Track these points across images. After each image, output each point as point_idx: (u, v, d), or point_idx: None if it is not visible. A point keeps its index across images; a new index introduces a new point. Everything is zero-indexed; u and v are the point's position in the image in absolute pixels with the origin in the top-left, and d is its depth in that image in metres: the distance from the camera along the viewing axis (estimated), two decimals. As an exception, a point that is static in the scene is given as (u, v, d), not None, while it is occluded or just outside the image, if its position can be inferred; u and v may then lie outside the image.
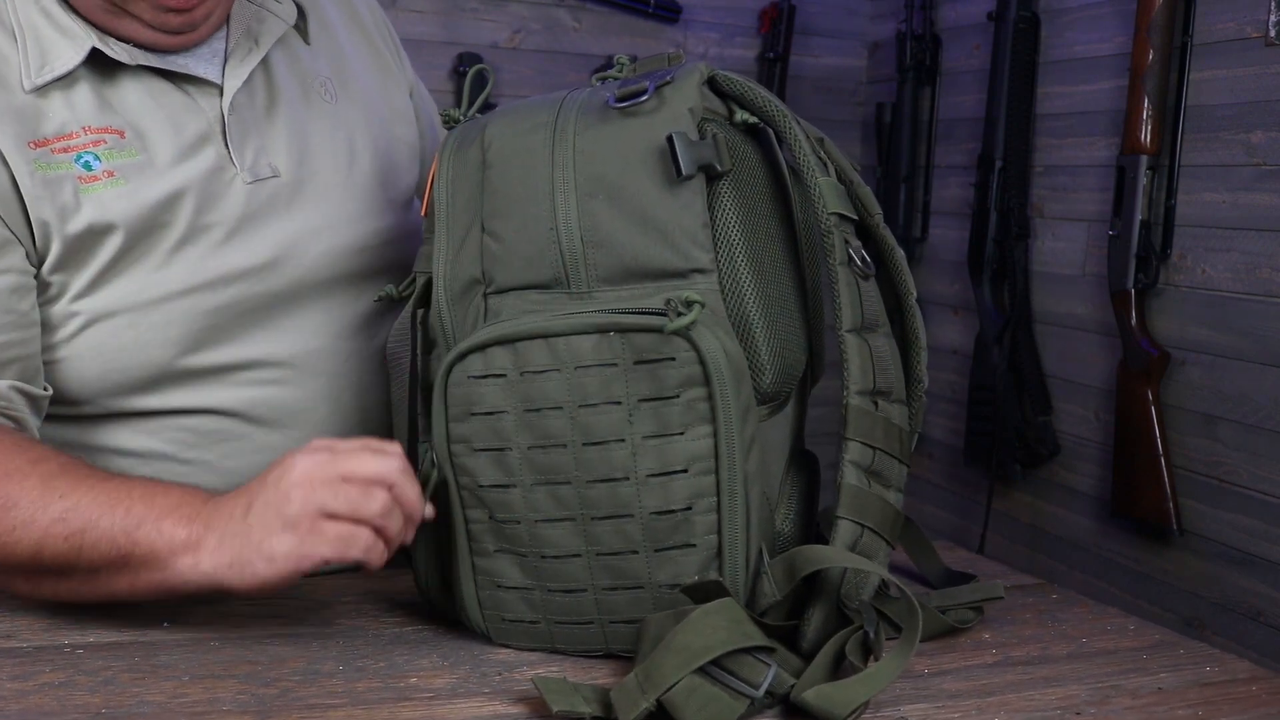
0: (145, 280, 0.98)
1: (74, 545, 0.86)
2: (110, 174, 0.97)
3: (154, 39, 0.99)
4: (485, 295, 0.87)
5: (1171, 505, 2.05)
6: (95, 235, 0.96)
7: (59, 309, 0.98)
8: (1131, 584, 2.18)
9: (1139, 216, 2.05)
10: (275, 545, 0.83)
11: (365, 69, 1.16)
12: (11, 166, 0.95)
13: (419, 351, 0.93)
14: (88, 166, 0.97)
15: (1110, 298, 2.11)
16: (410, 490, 0.86)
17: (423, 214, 0.93)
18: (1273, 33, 1.86)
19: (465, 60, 2.54)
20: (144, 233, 0.98)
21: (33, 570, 0.89)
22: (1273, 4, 1.86)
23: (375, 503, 0.84)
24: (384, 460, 0.85)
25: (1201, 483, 2.02)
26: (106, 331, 0.98)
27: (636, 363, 0.81)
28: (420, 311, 0.93)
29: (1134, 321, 2.08)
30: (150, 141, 0.99)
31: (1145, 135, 2.03)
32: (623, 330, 0.81)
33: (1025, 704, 0.83)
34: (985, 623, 0.99)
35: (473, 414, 0.86)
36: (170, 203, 0.98)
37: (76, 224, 0.96)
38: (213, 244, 1.00)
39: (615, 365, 0.82)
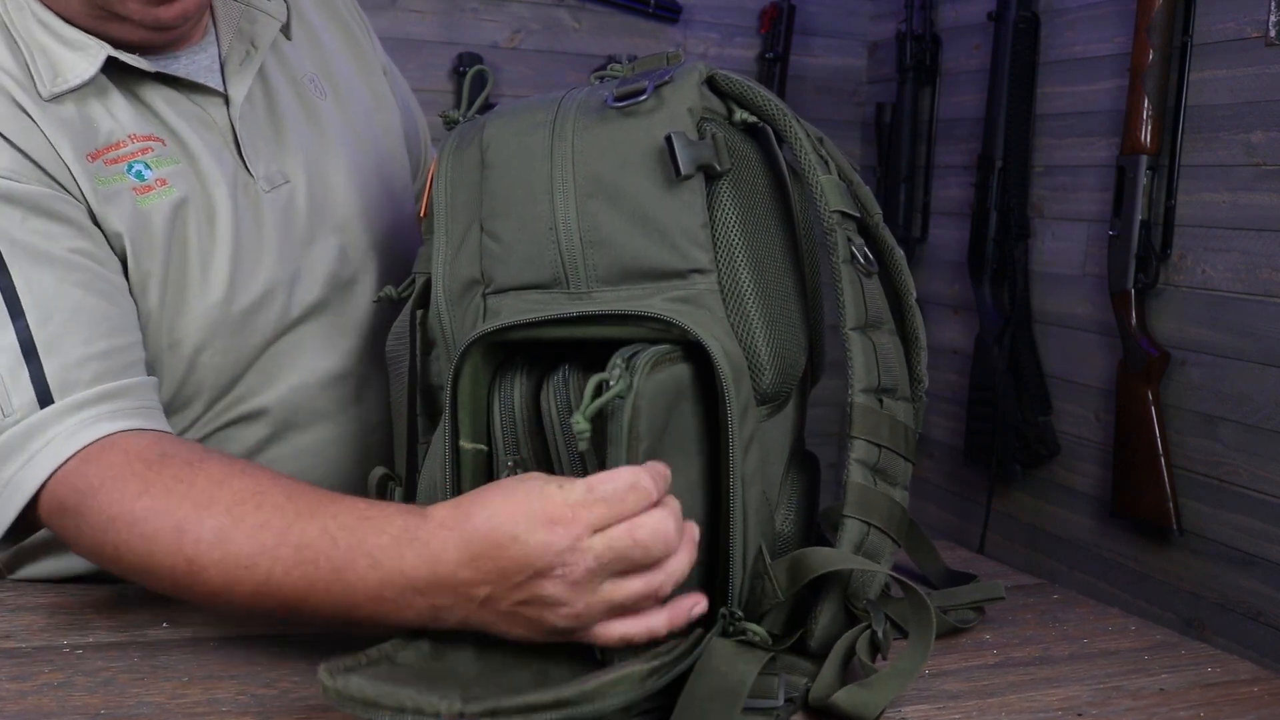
0: (206, 310, 0.96)
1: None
2: (163, 182, 0.94)
3: (145, 38, 0.95)
4: (484, 295, 0.87)
5: (1171, 505, 2.05)
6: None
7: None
8: (1131, 584, 2.18)
9: (1139, 216, 2.05)
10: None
11: (344, 58, 1.15)
12: (79, 180, 0.90)
13: (418, 352, 0.93)
14: (140, 176, 0.93)
15: (1110, 298, 2.11)
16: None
17: (421, 214, 0.93)
18: (1273, 33, 1.86)
19: (465, 60, 2.54)
20: (198, 249, 0.95)
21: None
22: (1273, 4, 1.86)
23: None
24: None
25: (1201, 483, 2.02)
26: (178, 362, 0.96)
27: None
28: (419, 312, 0.93)
29: (1134, 322, 2.08)
30: (188, 148, 0.96)
31: (1145, 135, 2.02)
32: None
33: (1026, 705, 0.83)
34: (986, 623, 0.98)
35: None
36: (215, 216, 0.96)
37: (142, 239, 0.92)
38: (253, 260, 0.98)
39: None
